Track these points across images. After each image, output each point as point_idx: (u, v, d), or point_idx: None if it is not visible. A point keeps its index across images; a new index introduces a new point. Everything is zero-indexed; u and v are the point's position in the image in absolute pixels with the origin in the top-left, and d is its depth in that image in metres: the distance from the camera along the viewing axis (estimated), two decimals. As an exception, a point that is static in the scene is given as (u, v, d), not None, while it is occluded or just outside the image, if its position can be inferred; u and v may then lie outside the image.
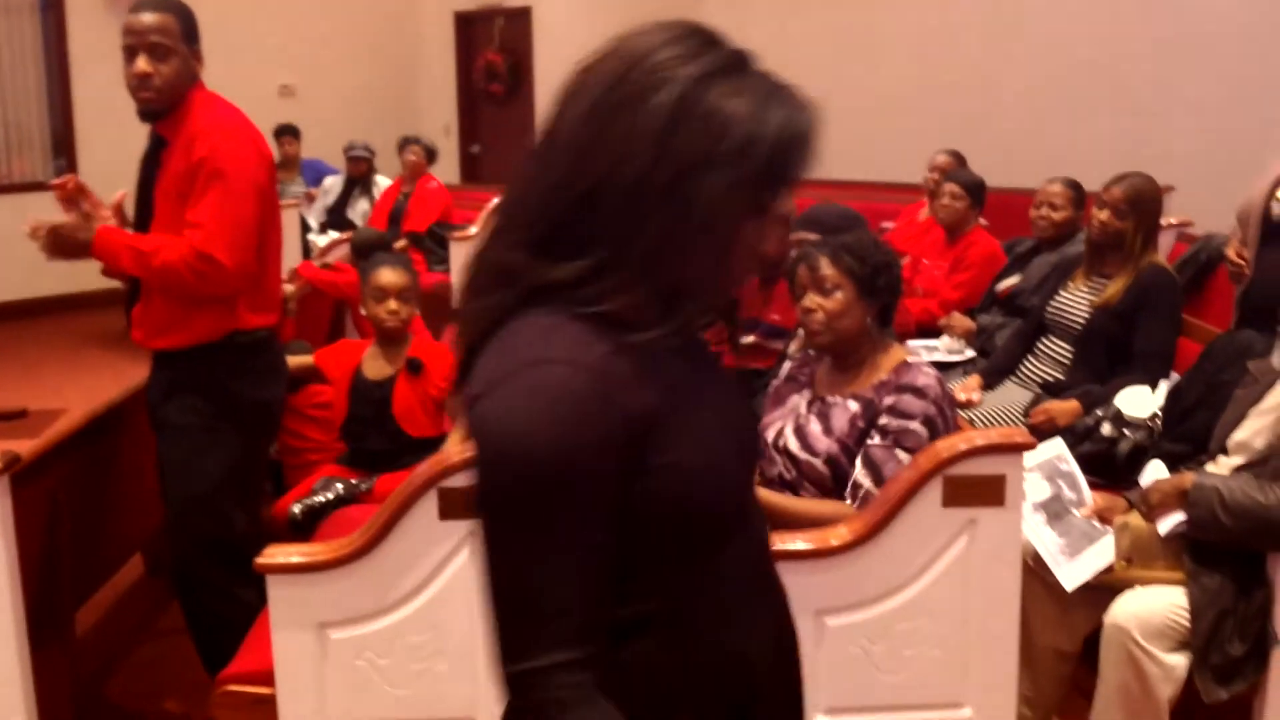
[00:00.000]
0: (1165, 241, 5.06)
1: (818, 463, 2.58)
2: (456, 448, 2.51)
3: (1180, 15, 6.67)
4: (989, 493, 2.35)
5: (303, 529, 3.14)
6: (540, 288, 1.12)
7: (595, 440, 1.08)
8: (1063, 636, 2.71)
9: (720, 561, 1.22)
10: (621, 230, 1.10)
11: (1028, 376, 3.86)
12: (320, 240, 6.62)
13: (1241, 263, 3.40)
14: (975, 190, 4.88)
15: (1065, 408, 3.47)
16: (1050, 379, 3.77)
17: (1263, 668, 2.48)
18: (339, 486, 3.25)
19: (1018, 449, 2.34)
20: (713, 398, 1.21)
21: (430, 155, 7.14)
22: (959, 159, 5.63)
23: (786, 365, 2.86)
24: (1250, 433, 2.69)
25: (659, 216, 1.09)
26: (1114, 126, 6.81)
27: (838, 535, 2.35)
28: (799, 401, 2.69)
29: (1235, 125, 5.92)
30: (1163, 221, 5.38)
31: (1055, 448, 2.95)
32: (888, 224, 5.44)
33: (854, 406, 2.57)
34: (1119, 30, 6.92)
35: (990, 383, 3.92)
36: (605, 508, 1.10)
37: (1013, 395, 3.82)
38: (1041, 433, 3.34)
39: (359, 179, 7.42)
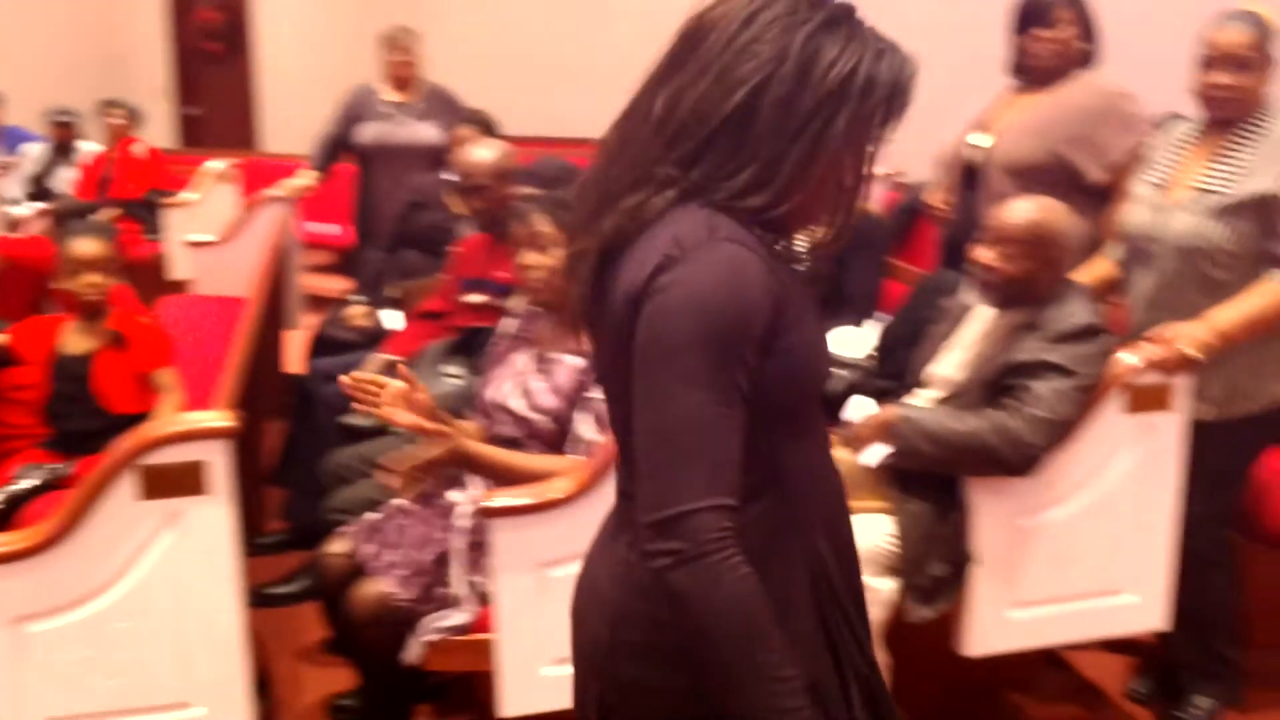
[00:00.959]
0: (878, 190, 5.30)
1: (544, 420, 2.58)
2: (163, 422, 2.40)
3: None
4: None
5: (4, 519, 2.94)
6: (692, 190, 1.26)
7: (760, 309, 1.23)
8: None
9: (810, 441, 1.39)
10: (772, 147, 1.24)
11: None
12: (20, 211, 6.18)
13: (945, 208, 3.58)
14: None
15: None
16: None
17: (962, 586, 2.65)
18: (41, 472, 3.07)
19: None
20: (801, 298, 1.33)
21: (135, 118, 6.79)
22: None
23: (510, 323, 2.85)
24: (946, 366, 2.85)
25: (803, 137, 1.24)
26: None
27: (560, 488, 2.36)
28: (524, 359, 2.69)
29: (944, 79, 6.23)
30: (877, 171, 5.65)
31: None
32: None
33: (575, 362, 2.59)
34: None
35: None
36: (752, 374, 1.23)
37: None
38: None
39: (62, 145, 6.97)
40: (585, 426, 2.51)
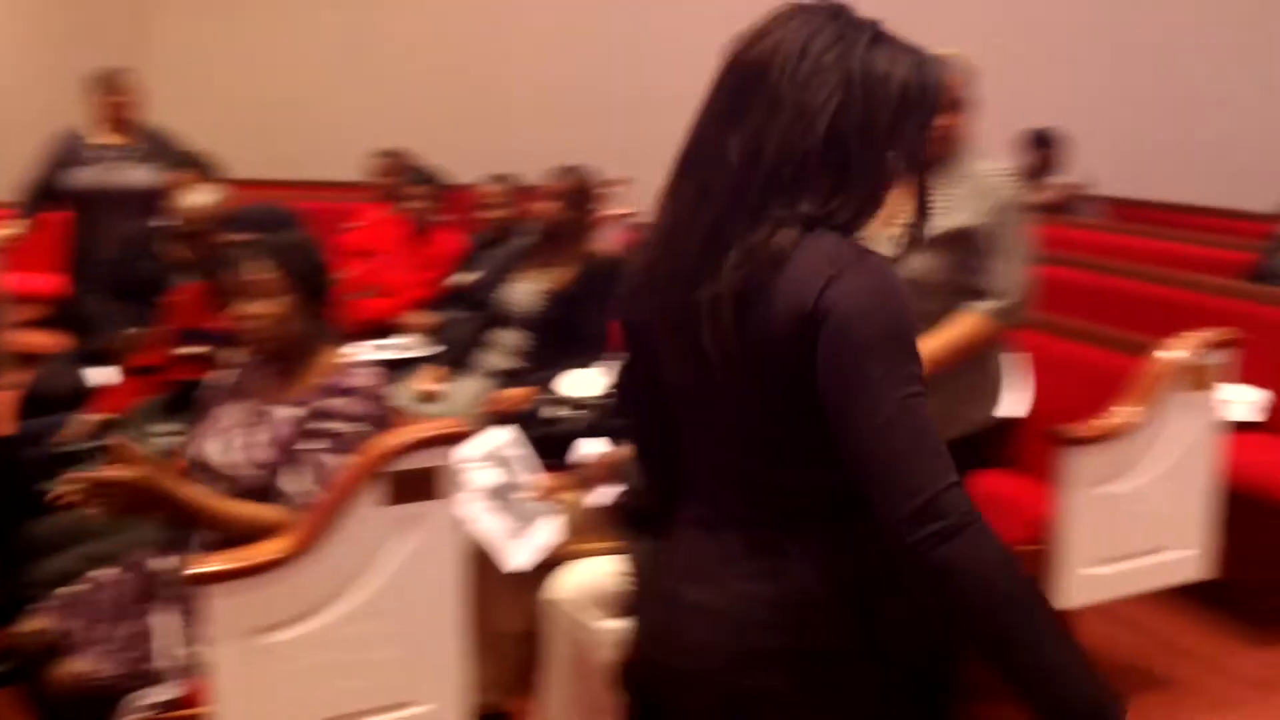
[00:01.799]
0: (613, 231, 5.37)
1: (256, 475, 2.47)
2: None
3: (647, 19, 7.20)
4: (427, 486, 2.36)
5: None
6: (810, 222, 1.32)
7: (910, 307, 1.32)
8: (517, 619, 2.78)
9: None
10: (866, 168, 1.34)
11: (489, 367, 3.94)
12: None
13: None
14: (435, 186, 4.94)
15: (516, 395, 3.57)
16: (510, 368, 3.87)
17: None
18: None
19: (449, 440, 2.36)
20: None
21: None
22: (407, 157, 5.74)
23: (225, 374, 2.72)
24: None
25: (888, 151, 1.36)
26: (569, 123, 7.16)
27: (275, 548, 2.26)
28: (236, 412, 2.57)
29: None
30: (614, 212, 5.73)
31: (503, 434, 3.02)
32: (351, 224, 5.37)
33: (291, 413, 2.49)
34: (576, 37, 7.33)
35: (452, 375, 3.96)
36: None
37: (474, 387, 3.88)
38: (502, 419, 3.41)
39: None
40: (292, 481, 2.40)
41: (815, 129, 1.30)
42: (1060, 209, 6.50)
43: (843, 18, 1.35)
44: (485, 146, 6.90)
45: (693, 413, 1.45)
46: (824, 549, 1.37)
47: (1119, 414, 3.03)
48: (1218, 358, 3.10)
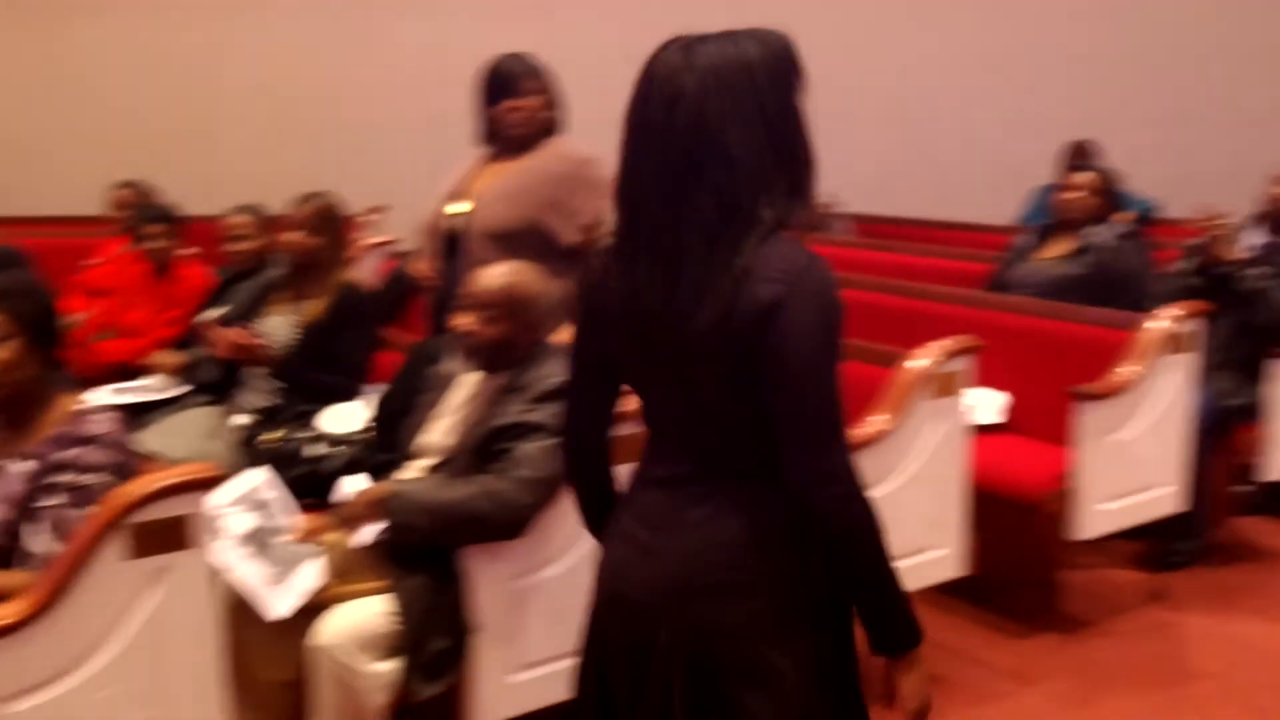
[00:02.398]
0: (371, 260, 5.26)
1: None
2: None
3: (370, 50, 7.09)
4: (177, 535, 2.23)
5: None
6: (773, 226, 1.58)
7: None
8: (282, 667, 2.65)
9: None
10: (790, 152, 1.61)
11: (244, 406, 3.77)
12: None
13: (430, 276, 3.57)
14: (172, 222, 4.74)
15: (270, 436, 3.44)
16: (266, 405, 3.71)
17: (466, 657, 2.61)
18: None
19: (200, 486, 2.24)
20: None
21: None
22: (144, 189, 5.51)
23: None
24: (437, 434, 2.82)
25: (796, 127, 1.62)
26: (320, 149, 7.02)
27: (9, 612, 2.09)
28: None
29: (442, 148, 6.36)
30: (373, 241, 5.62)
31: (257, 477, 2.89)
32: (90, 261, 5.06)
33: (25, 467, 2.32)
34: (317, 68, 7.20)
35: (207, 416, 3.78)
36: None
37: (226, 426, 3.71)
38: (258, 459, 3.27)
39: None
40: (36, 540, 2.24)
41: (762, 151, 1.59)
42: (810, 227, 6.73)
43: (711, 41, 1.62)
44: (221, 174, 6.70)
45: (656, 392, 1.72)
46: (756, 502, 1.65)
47: (871, 423, 3.14)
48: (960, 364, 3.25)
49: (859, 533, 1.58)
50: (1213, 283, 4.21)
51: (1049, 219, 4.70)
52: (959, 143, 8.41)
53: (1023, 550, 4.00)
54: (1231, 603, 3.97)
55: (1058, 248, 4.52)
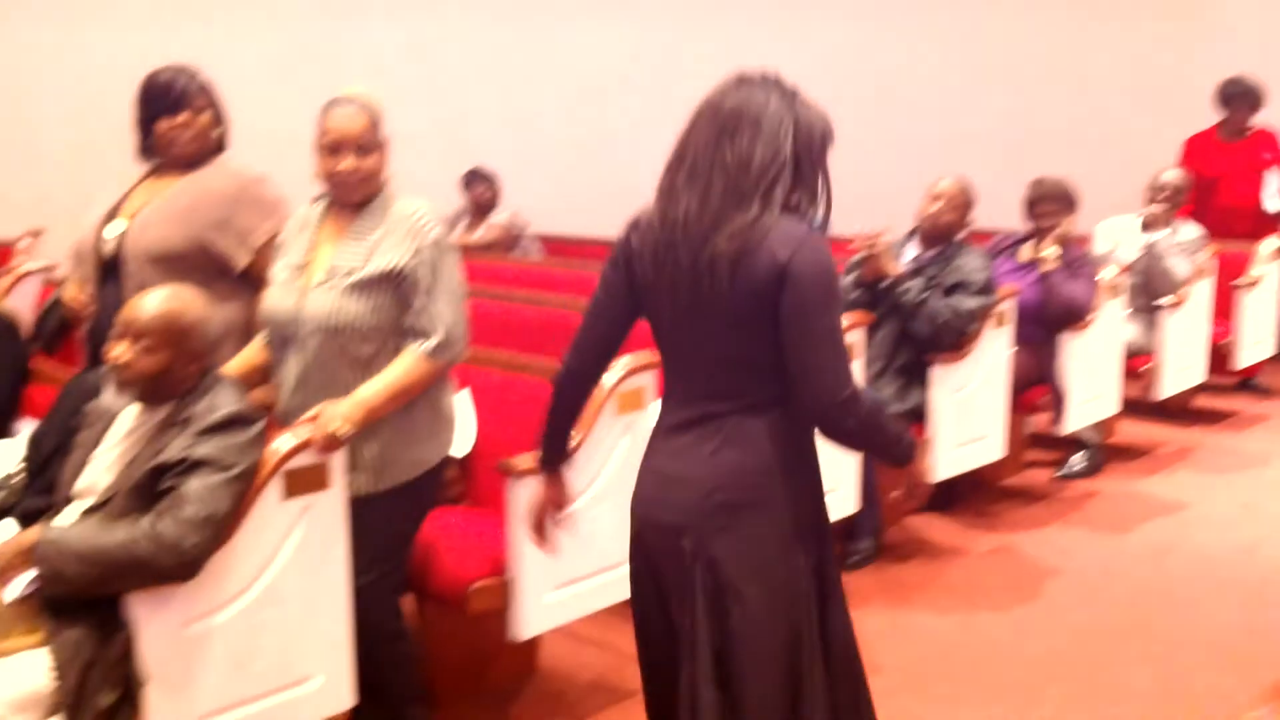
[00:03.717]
0: (30, 286, 4.87)
1: None
2: None
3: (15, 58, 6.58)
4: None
5: None
6: (782, 209, 2.06)
7: None
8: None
9: None
10: (810, 177, 2.11)
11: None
12: None
13: (83, 302, 3.32)
14: None
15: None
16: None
17: (136, 711, 2.43)
18: None
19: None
20: None
21: None
22: None
23: None
24: (94, 475, 2.62)
25: (817, 167, 2.13)
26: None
27: None
28: None
29: (99, 165, 5.95)
30: (29, 268, 5.19)
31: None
32: None
33: None
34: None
35: None
36: None
37: None
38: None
39: None
40: None
41: (782, 150, 2.06)
42: (501, 246, 6.74)
43: (777, 83, 2.12)
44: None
45: (680, 337, 2.16)
46: (763, 434, 2.12)
47: (560, 441, 3.13)
48: (647, 379, 3.30)
49: (871, 440, 2.20)
50: (874, 296, 4.47)
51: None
52: (637, 161, 8.61)
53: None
54: (906, 598, 4.19)
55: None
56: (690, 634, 2.15)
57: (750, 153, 2.04)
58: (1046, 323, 5.08)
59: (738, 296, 2.03)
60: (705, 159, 2.07)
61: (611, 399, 3.22)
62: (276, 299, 2.86)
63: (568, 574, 3.15)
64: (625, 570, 3.33)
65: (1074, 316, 5.09)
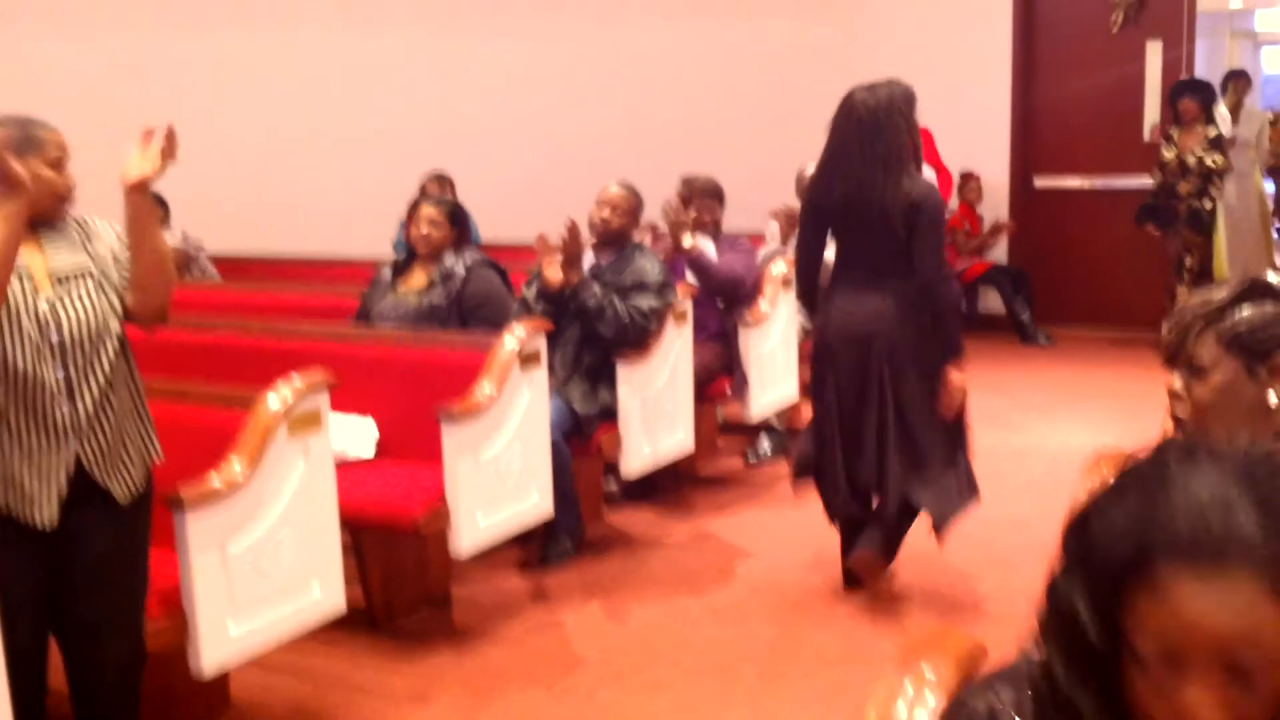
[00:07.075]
0: None
1: None
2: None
3: None
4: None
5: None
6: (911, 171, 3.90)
7: None
8: None
9: None
10: (916, 150, 3.95)
11: None
12: None
13: None
14: None
15: None
16: None
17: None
18: None
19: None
20: None
21: None
22: None
23: None
24: None
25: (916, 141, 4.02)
26: None
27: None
28: None
29: None
30: None
31: None
32: None
33: None
34: None
35: None
36: None
37: None
38: None
39: None
40: None
41: (902, 135, 3.80)
42: (176, 269, 6.41)
43: (888, 86, 3.87)
44: None
45: (854, 237, 3.92)
46: (901, 289, 3.82)
47: (225, 470, 3.04)
48: (318, 400, 3.23)
49: (949, 305, 3.98)
50: (557, 304, 4.52)
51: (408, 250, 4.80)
52: (319, 175, 8.44)
53: (413, 574, 4.06)
54: (608, 591, 4.26)
55: (417, 279, 4.64)
56: (879, 394, 3.84)
57: (890, 139, 3.78)
58: (714, 296, 5.32)
59: (894, 219, 3.75)
60: (857, 154, 3.80)
61: (284, 421, 3.16)
62: None
63: (253, 605, 3.05)
64: (313, 597, 3.30)
65: (736, 288, 5.36)
